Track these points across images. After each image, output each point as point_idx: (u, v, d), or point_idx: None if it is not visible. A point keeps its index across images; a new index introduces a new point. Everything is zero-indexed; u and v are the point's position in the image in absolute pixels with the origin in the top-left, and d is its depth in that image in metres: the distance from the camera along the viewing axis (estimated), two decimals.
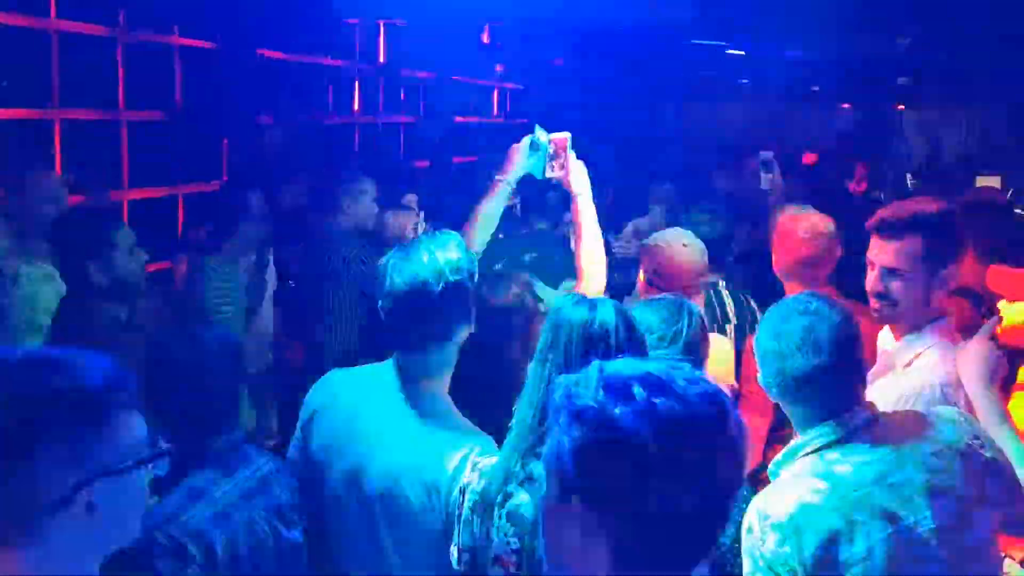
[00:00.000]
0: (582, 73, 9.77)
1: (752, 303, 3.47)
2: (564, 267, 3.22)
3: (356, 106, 6.93)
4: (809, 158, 7.24)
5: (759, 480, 2.02)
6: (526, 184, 3.05)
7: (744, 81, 12.06)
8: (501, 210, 2.91)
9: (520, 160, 2.91)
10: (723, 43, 9.56)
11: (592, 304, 1.92)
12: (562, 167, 2.93)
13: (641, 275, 2.97)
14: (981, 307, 3.03)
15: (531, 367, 1.91)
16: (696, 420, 1.12)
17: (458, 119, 8.18)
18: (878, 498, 1.81)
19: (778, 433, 2.66)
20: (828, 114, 12.26)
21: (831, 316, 1.91)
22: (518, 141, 2.97)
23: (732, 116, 11.64)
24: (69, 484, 1.22)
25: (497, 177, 2.93)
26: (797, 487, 1.84)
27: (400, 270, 2.06)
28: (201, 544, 1.85)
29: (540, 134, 2.93)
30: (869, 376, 2.54)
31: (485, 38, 8.30)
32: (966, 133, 10.85)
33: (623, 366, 1.19)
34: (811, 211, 3.37)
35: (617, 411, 1.11)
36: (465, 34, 7.62)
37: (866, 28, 8.67)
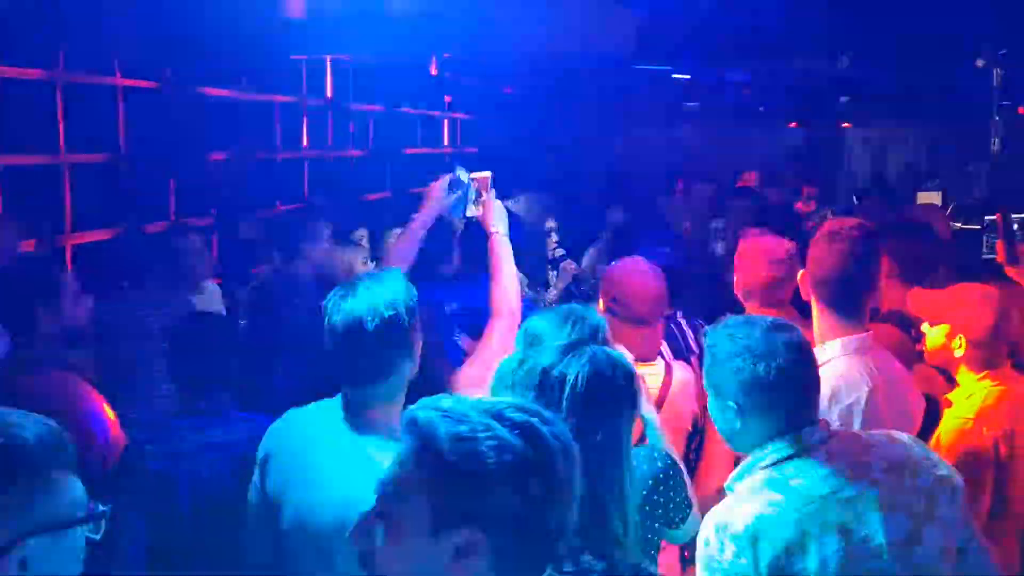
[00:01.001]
0: (531, 101, 9.86)
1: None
2: None
3: (305, 142, 6.91)
4: (749, 179, 7.37)
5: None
6: None
7: (692, 104, 12.24)
8: (416, 248, 2.96)
9: (438, 199, 2.95)
10: (667, 68, 9.70)
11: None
12: (477, 206, 2.98)
13: (600, 303, 2.99)
14: (910, 330, 3.08)
15: None
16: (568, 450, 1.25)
17: (408, 151, 8.20)
18: (831, 512, 1.84)
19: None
20: (776, 134, 12.47)
21: (791, 334, 1.95)
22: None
23: (682, 139, 11.80)
24: (1, 540, 1.22)
25: (414, 216, 2.97)
26: (754, 500, 1.87)
27: (338, 308, 2.09)
28: None
29: (461, 173, 2.97)
30: None
31: (433, 70, 8.34)
32: (911, 150, 11.08)
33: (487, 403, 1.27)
34: (771, 235, 3.41)
35: (516, 440, 1.19)
36: (412, 67, 7.66)
37: (806, 48, 8.85)
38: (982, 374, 2.81)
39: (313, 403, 2.26)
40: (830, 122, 12.20)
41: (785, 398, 1.93)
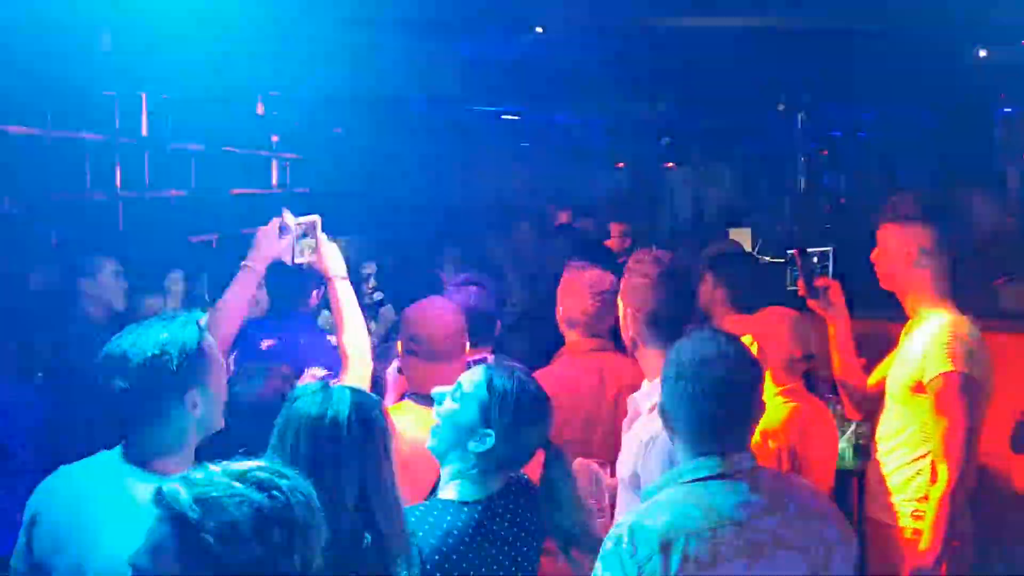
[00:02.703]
0: (362, 141, 9.78)
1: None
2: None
3: (119, 182, 6.56)
4: (563, 217, 7.61)
5: None
6: None
7: (524, 144, 12.50)
8: (248, 296, 2.86)
9: (268, 244, 2.86)
10: (497, 108, 9.90)
11: (327, 395, 1.87)
12: (312, 251, 2.90)
13: (399, 345, 2.96)
14: None
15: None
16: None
17: (234, 191, 7.94)
18: (743, 538, 1.90)
19: None
20: (604, 173, 12.88)
21: (735, 357, 2.02)
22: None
23: (515, 178, 12.01)
24: None
25: (244, 263, 2.87)
26: (673, 510, 1.92)
27: (107, 350, 2.02)
28: None
29: (287, 217, 2.89)
30: (625, 423, 2.65)
31: (260, 109, 8.15)
32: (727, 189, 11.69)
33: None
34: (593, 267, 3.47)
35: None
36: (237, 105, 7.45)
37: (628, 92, 9.24)
38: (777, 390, 3.03)
39: (88, 457, 2.12)
40: (655, 162, 12.73)
41: (715, 418, 1.98)
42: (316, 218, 2.92)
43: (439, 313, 2.90)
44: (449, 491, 2.17)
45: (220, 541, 1.30)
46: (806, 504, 2.03)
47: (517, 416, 2.14)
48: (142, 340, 2.00)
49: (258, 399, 2.42)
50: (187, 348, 2.02)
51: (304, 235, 2.89)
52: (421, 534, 2.04)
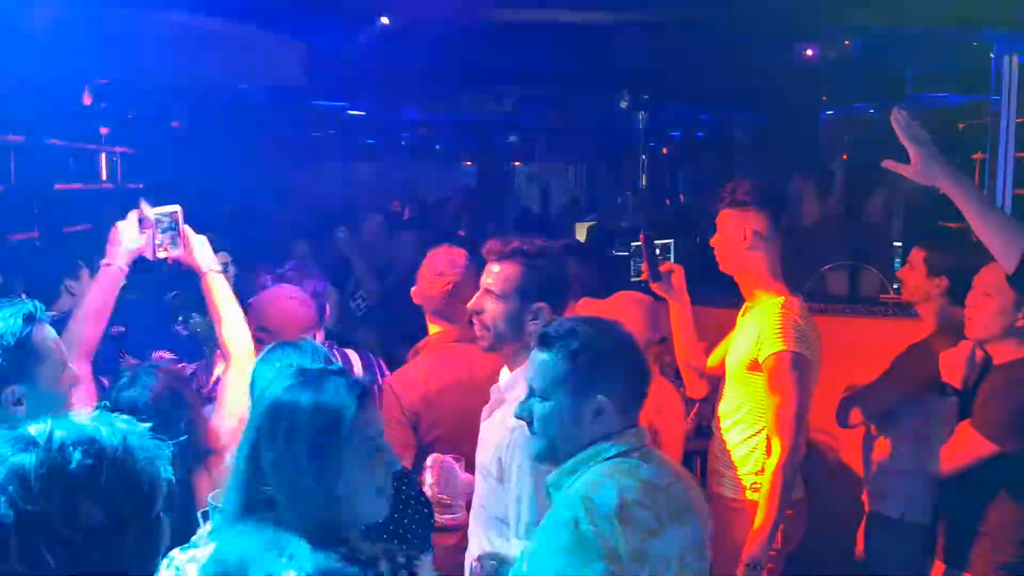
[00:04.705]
0: (202, 136, 9.40)
1: (375, 358, 3.51)
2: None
3: None
4: (408, 213, 7.65)
5: None
6: None
7: (370, 141, 12.37)
8: (111, 297, 2.68)
9: (127, 239, 2.69)
10: (341, 104, 9.73)
11: (319, 384, 1.70)
12: (174, 244, 2.75)
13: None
14: None
15: (236, 457, 1.72)
16: None
17: (59, 186, 7.47)
18: (674, 502, 2.02)
19: None
20: (452, 170, 12.91)
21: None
22: (132, 207, 2.74)
23: (363, 175, 11.86)
24: None
25: (103, 262, 2.69)
26: (614, 484, 1.98)
27: None
28: None
29: (145, 209, 2.72)
30: (484, 410, 2.64)
31: (87, 99, 7.68)
32: (572, 185, 11.93)
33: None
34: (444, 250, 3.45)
35: None
36: (60, 94, 6.99)
37: (474, 89, 9.28)
38: None
39: None
40: (502, 160, 12.85)
41: (638, 396, 2.12)
42: (177, 208, 2.76)
43: (288, 303, 2.83)
44: None
45: None
46: (686, 474, 2.19)
47: None
48: None
49: (154, 399, 2.34)
50: (3, 342, 1.93)
51: (166, 228, 2.73)
52: None
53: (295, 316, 2.79)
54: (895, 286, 4.64)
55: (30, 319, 1.99)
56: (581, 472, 2.04)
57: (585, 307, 3.16)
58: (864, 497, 3.57)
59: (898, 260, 5.52)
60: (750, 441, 3.16)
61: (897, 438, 3.42)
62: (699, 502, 2.12)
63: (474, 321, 2.65)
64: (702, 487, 3.08)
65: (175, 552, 1.89)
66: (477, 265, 3.30)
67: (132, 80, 7.38)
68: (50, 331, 2.07)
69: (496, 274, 2.60)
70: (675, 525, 1.99)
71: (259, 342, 2.75)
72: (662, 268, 3.34)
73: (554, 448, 2.10)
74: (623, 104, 8.11)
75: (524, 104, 10.25)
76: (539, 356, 2.10)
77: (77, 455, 1.18)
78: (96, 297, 2.66)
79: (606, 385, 2.06)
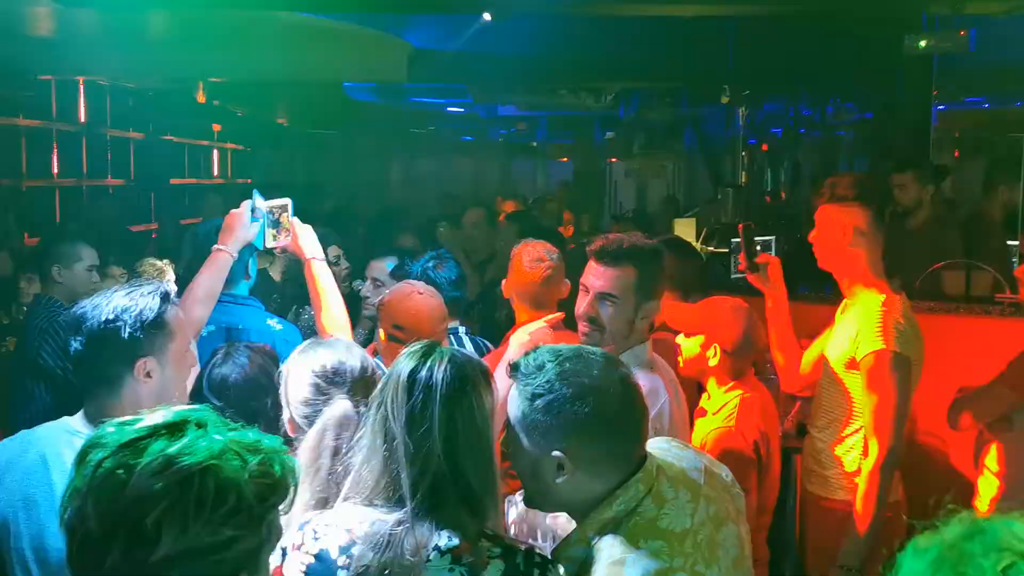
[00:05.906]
0: (308, 132, 9.69)
1: (489, 345, 3.57)
2: None
3: (55, 169, 6.42)
4: (509, 207, 7.67)
5: None
6: None
7: (469, 138, 12.51)
8: (221, 279, 2.80)
9: (240, 228, 2.83)
10: (442, 101, 9.86)
11: (426, 352, 1.79)
12: (287, 234, 2.88)
13: (381, 333, 2.94)
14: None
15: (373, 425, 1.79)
16: None
17: (174, 180, 7.82)
18: (699, 535, 1.74)
19: None
20: (549, 166, 12.94)
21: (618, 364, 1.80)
22: (239, 203, 2.88)
23: (462, 169, 12.02)
24: None
25: (215, 247, 2.82)
26: (641, 555, 1.66)
27: (71, 312, 2.11)
28: None
29: (257, 201, 2.85)
30: None
31: (200, 97, 8.02)
32: (671, 181, 11.82)
33: None
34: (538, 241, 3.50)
35: None
36: (177, 93, 7.32)
37: (572, 86, 9.29)
38: (730, 384, 2.96)
39: (50, 422, 2.12)
40: (598, 156, 12.82)
41: (618, 454, 1.72)
42: (287, 201, 2.90)
43: (422, 299, 2.90)
44: None
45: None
46: (700, 466, 1.88)
47: None
48: (102, 305, 2.05)
49: (244, 377, 2.39)
50: (143, 317, 2.05)
51: (276, 219, 2.86)
52: None
53: (429, 312, 2.87)
54: (1011, 286, 4.46)
55: (166, 298, 2.11)
56: (592, 543, 1.71)
57: (673, 312, 3.11)
58: (974, 503, 3.45)
59: (1014, 259, 5.32)
60: (847, 440, 3.10)
61: (1010, 443, 3.30)
62: (725, 508, 1.81)
63: (581, 323, 2.62)
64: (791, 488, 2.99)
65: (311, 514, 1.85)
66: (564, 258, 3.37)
67: (243, 79, 7.66)
68: (181, 312, 2.20)
69: (608, 276, 2.56)
70: (709, 567, 1.71)
71: (395, 340, 2.81)
72: (759, 260, 3.29)
73: (532, 500, 1.79)
74: (724, 99, 8.01)
75: (622, 99, 10.21)
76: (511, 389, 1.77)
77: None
78: (206, 280, 2.77)
79: (562, 439, 1.67)
